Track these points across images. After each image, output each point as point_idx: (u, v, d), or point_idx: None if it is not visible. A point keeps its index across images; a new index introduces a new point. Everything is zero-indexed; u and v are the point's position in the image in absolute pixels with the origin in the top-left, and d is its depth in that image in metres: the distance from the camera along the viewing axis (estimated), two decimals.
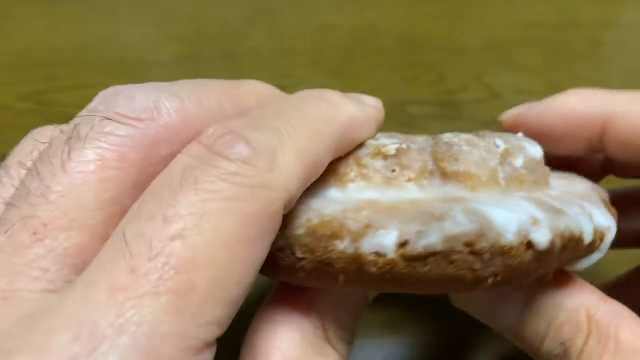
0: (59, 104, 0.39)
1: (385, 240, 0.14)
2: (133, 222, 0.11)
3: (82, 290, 0.11)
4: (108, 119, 0.13)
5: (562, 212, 0.16)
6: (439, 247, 0.14)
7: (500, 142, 0.17)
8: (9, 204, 0.12)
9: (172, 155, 0.13)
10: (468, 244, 0.14)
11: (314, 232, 0.14)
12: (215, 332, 0.11)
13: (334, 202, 0.15)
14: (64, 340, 0.10)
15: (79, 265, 0.12)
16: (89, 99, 0.43)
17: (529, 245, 0.15)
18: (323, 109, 0.15)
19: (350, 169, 0.16)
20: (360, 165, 0.16)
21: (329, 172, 0.16)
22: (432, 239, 0.14)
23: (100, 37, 0.44)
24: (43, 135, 0.14)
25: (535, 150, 0.18)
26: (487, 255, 0.14)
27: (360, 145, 0.17)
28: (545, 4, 0.45)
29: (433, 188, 0.16)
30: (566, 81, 0.41)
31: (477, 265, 0.14)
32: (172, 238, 0.11)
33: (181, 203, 0.11)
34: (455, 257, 0.14)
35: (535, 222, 0.15)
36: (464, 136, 0.17)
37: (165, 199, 0.12)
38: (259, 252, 0.12)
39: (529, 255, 0.15)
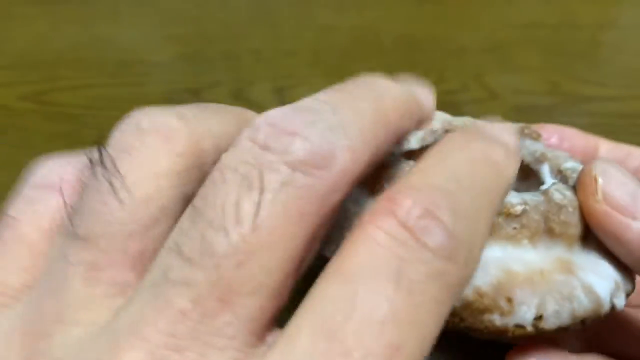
0: (60, 104, 0.39)
1: (527, 316, 0.17)
2: (349, 318, 0.11)
3: None
4: (290, 168, 0.12)
5: (628, 270, 0.18)
6: (567, 323, 0.17)
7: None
8: (190, 261, 0.11)
9: (341, 201, 0.12)
10: (584, 320, 0.17)
11: (469, 306, 0.16)
12: None
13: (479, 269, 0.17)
14: None
15: (259, 328, 0.11)
16: (89, 99, 0.43)
17: (613, 308, 0.18)
18: (491, 175, 0.14)
19: None
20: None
21: None
22: (563, 318, 0.17)
23: (101, 38, 0.44)
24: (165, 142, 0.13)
25: None
26: (589, 322, 0.17)
27: None
28: (544, 5, 0.45)
29: (542, 247, 0.18)
30: (565, 82, 0.41)
31: (580, 328, 0.18)
32: (390, 346, 0.10)
33: (398, 306, 0.11)
34: (571, 327, 0.17)
35: (618, 287, 0.18)
36: (569, 195, 0.18)
37: (381, 297, 0.11)
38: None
39: (609, 312, 0.18)
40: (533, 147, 0.22)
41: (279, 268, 0.11)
